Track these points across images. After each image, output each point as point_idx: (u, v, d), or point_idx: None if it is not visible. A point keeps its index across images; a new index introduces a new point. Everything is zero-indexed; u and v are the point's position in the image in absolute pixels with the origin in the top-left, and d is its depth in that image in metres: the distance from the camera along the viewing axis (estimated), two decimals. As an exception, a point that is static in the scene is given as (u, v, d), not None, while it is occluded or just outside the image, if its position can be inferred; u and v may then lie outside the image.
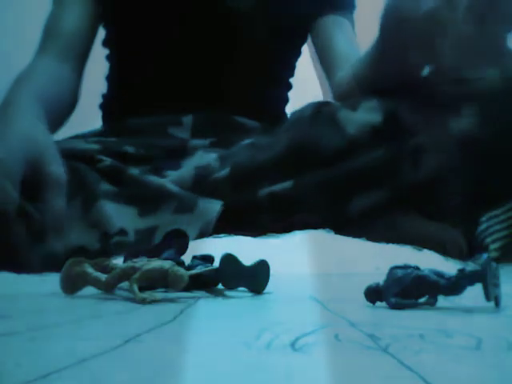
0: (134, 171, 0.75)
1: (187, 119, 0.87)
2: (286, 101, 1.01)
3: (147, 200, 0.72)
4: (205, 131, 0.86)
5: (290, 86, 1.01)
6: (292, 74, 1.00)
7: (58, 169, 0.63)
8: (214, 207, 0.69)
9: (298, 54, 1.00)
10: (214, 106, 0.88)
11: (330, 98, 0.93)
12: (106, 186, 0.73)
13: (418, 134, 0.67)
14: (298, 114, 0.76)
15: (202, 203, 0.70)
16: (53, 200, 0.62)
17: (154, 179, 0.74)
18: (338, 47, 0.91)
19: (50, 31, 0.90)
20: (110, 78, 0.97)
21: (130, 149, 0.82)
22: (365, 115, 0.70)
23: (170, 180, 0.75)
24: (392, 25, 0.62)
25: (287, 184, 0.70)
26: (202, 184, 0.74)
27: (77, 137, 0.86)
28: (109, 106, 0.97)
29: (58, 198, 0.62)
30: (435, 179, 0.66)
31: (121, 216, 0.69)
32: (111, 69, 0.97)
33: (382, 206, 0.67)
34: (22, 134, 0.64)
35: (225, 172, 0.73)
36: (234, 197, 0.71)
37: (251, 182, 0.71)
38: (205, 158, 0.79)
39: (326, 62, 0.93)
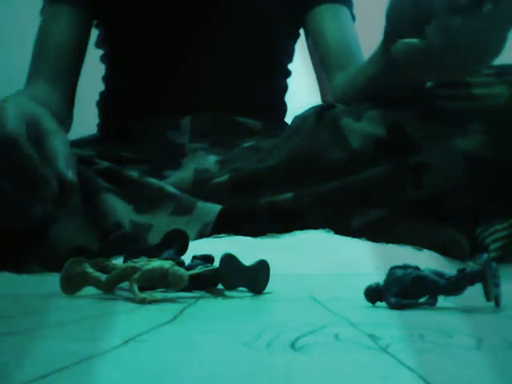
0: (133, 173, 0.75)
1: (185, 122, 0.86)
2: (285, 90, 0.98)
3: (145, 200, 0.71)
4: (204, 134, 0.85)
5: (288, 73, 0.98)
6: (290, 60, 0.98)
7: (55, 125, 0.61)
8: (212, 209, 0.69)
9: (295, 38, 0.96)
10: (213, 105, 0.87)
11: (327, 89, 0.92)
12: (104, 184, 0.72)
13: (421, 151, 0.65)
14: (301, 120, 0.75)
15: (201, 205, 0.70)
16: (55, 144, 0.58)
17: (152, 181, 0.74)
18: (334, 42, 0.88)
19: (40, 51, 0.88)
20: (107, 79, 0.97)
21: (126, 154, 0.81)
22: (368, 127, 0.68)
23: (169, 182, 0.74)
24: (394, 20, 0.61)
25: (287, 195, 0.69)
26: (201, 188, 0.73)
27: (71, 143, 0.86)
28: (106, 105, 0.97)
29: (59, 143, 0.58)
30: (437, 196, 0.66)
31: (118, 210, 0.69)
32: (107, 69, 0.97)
33: (382, 222, 0.67)
34: (19, 103, 0.61)
35: (224, 178, 0.73)
36: (233, 203, 0.71)
37: (251, 189, 0.71)
38: (204, 159, 0.79)
39: (322, 58, 0.90)
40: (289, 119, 0.94)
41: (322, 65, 0.91)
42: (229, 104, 0.88)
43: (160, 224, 0.68)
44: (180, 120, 0.86)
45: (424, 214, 0.67)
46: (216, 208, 0.69)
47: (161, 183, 0.73)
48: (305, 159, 0.70)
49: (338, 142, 0.69)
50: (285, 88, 0.98)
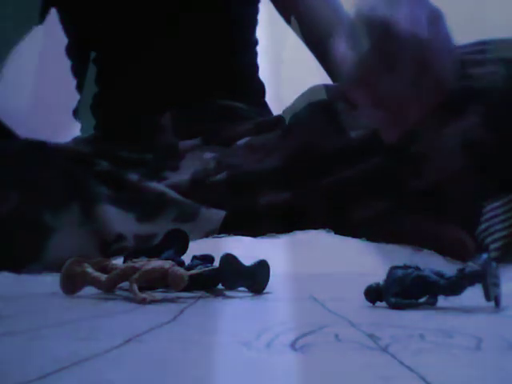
0: (133, 176, 0.75)
1: (165, 120, 0.84)
2: (255, 63, 0.93)
3: (147, 206, 0.71)
4: (189, 128, 0.83)
5: (256, 41, 0.94)
6: (254, 23, 0.92)
7: None
8: (216, 217, 0.69)
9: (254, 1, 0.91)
10: (188, 94, 0.84)
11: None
12: (103, 190, 0.72)
13: (418, 139, 0.64)
14: (293, 112, 0.74)
15: (204, 212, 0.69)
16: None
17: (154, 185, 0.73)
18: (322, 16, 0.84)
19: None
20: (99, 81, 0.96)
21: (124, 153, 0.81)
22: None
23: (168, 184, 0.74)
24: None
25: (286, 194, 0.69)
26: (200, 188, 0.73)
27: (69, 142, 0.86)
28: (101, 105, 0.96)
29: None
30: (436, 186, 0.65)
31: (119, 220, 0.69)
32: (99, 71, 0.96)
33: (383, 214, 0.66)
34: None
35: (222, 176, 0.72)
36: (233, 203, 0.70)
37: (250, 190, 0.71)
38: (201, 158, 0.78)
39: (309, 37, 0.86)
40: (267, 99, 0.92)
41: (310, 43, 0.87)
42: (203, 89, 0.85)
43: (164, 231, 0.68)
44: (160, 119, 0.84)
45: (424, 207, 0.66)
46: (219, 215, 0.69)
47: (162, 188, 0.73)
48: (302, 154, 0.70)
49: (334, 130, 0.68)
50: (255, 60, 0.94)
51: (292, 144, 0.71)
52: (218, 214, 0.69)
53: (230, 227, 0.70)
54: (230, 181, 0.72)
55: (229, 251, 0.49)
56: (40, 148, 0.75)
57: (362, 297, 0.41)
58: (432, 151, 0.64)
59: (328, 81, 0.86)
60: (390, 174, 0.66)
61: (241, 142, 0.79)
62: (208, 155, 0.78)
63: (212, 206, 0.70)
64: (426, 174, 0.64)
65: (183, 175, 0.76)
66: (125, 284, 0.46)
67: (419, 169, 0.65)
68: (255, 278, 0.50)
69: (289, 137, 0.73)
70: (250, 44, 0.94)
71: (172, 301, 0.44)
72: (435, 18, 0.47)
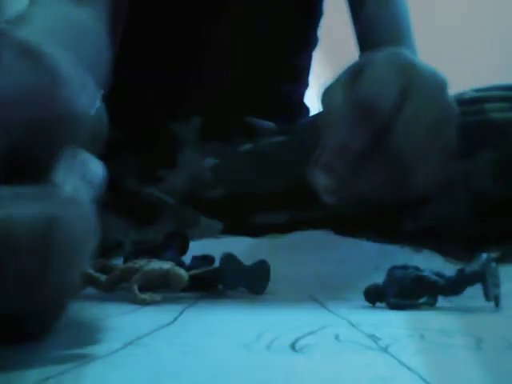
0: (130, 182, 0.73)
1: (195, 121, 0.81)
2: (306, 85, 0.86)
3: (145, 212, 0.70)
4: (212, 136, 0.79)
5: (316, 41, 0.85)
6: (313, 46, 0.84)
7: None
8: (216, 227, 0.69)
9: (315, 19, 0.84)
10: (227, 106, 0.81)
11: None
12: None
13: (421, 181, 0.61)
14: (301, 130, 0.73)
15: (204, 221, 0.69)
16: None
17: (152, 191, 0.72)
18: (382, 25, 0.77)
19: None
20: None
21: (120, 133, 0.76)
22: None
23: (163, 188, 0.73)
24: None
25: (284, 217, 0.69)
26: (196, 199, 0.72)
27: None
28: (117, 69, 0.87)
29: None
30: (435, 228, 0.62)
31: (117, 227, 0.68)
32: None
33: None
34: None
35: (220, 192, 0.71)
36: (231, 219, 0.70)
37: (249, 208, 0.70)
38: (199, 164, 0.75)
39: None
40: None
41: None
42: (245, 104, 0.79)
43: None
44: (190, 118, 0.81)
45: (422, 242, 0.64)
46: (219, 225, 0.69)
47: (160, 194, 0.72)
48: (301, 180, 0.68)
49: None
50: (306, 82, 0.87)
51: (293, 168, 0.69)
52: (217, 225, 0.69)
53: (230, 228, 0.69)
54: (228, 199, 0.71)
55: (229, 251, 0.49)
56: None
57: (362, 297, 0.41)
58: (435, 198, 0.60)
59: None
60: (387, 219, 0.64)
61: (243, 148, 0.76)
62: (207, 162, 0.75)
63: (209, 217, 0.70)
64: (425, 219, 0.61)
65: (179, 178, 0.74)
66: (125, 284, 0.46)
67: (418, 213, 0.62)
68: (255, 278, 0.50)
69: (292, 156, 0.71)
70: (302, 66, 0.85)
71: (172, 301, 0.44)
72: None
